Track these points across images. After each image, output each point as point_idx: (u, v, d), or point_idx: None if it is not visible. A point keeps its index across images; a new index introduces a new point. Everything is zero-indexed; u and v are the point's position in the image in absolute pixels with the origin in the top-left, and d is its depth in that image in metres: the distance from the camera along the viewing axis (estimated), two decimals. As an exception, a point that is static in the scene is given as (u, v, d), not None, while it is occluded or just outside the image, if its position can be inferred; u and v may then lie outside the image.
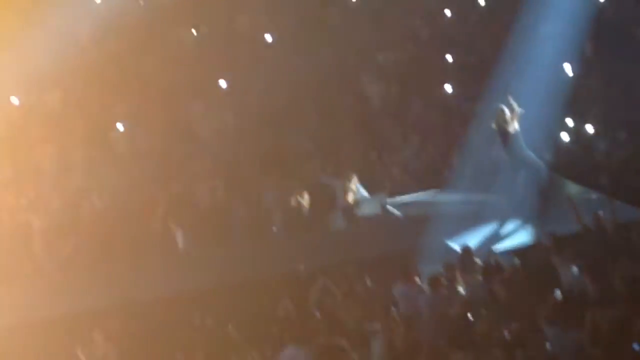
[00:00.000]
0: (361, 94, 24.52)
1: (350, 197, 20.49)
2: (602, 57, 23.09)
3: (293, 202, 20.44)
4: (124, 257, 19.31)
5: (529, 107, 20.80)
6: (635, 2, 25.00)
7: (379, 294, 16.10)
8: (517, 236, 18.60)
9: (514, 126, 19.42)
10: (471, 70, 24.40)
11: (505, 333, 13.79)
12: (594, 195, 19.15)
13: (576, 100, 21.80)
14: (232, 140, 23.18)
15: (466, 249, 17.15)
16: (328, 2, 27.53)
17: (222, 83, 24.97)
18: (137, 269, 18.89)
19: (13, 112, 24.04)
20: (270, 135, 23.19)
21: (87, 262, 19.20)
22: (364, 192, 20.62)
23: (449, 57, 25.05)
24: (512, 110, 19.42)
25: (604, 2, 24.76)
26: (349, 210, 20.49)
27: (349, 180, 20.58)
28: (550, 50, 23.05)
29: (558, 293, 14.73)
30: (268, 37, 26.70)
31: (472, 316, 14.90)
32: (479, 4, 26.72)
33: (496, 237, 18.62)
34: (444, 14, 26.81)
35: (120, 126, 23.63)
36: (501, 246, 18.24)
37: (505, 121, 19.46)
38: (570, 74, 22.43)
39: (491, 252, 17.67)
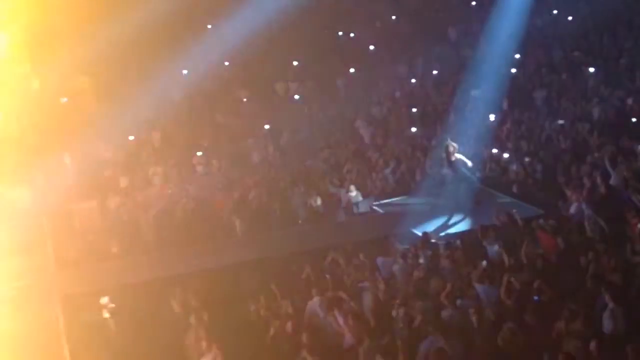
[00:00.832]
0: (357, 134, 24.56)
1: (350, 200, 20.49)
2: (513, 109, 23.13)
3: (312, 204, 20.46)
4: (203, 239, 19.23)
5: (468, 142, 20.98)
6: (535, 72, 25.13)
7: (368, 264, 15.95)
8: (458, 226, 18.43)
9: (455, 155, 19.47)
10: (429, 119, 24.50)
11: (450, 287, 13.71)
12: (508, 200, 19.08)
13: (497, 137, 21.79)
14: (272, 164, 23.34)
15: (425, 234, 17.08)
16: (335, 74, 27.75)
17: (266, 126, 24.99)
18: (211, 247, 18.84)
19: (130, 144, 24.23)
20: (297, 160, 23.26)
21: (178, 243, 19.16)
22: (359, 197, 20.54)
23: (414, 109, 25.13)
24: (453, 146, 19.49)
25: (515, 72, 24.93)
26: (349, 209, 20.49)
27: (349, 189, 20.63)
28: (481, 105, 23.18)
29: (484, 263, 14.64)
30: (296, 97, 27.13)
31: (429, 278, 14.84)
32: (434, 74, 26.88)
33: (445, 226, 18.41)
34: (411, 82, 27.06)
35: (200, 154, 23.65)
36: (448, 232, 18.10)
37: (449, 152, 19.51)
38: (493, 120, 22.37)
39: (441, 236, 17.65)
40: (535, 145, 20.96)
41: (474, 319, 12.79)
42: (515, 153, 20.71)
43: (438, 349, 11.67)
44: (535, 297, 13.07)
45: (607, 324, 11.80)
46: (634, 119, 20.59)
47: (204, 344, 13.26)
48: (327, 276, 15.73)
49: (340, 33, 30.06)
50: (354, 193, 20.55)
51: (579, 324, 11.74)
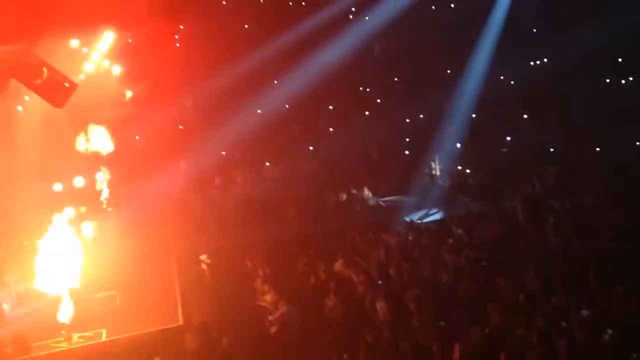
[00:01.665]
0: (367, 154, 23.16)
1: (363, 197, 20.35)
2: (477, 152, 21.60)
3: (342, 199, 20.30)
4: (265, 220, 18.84)
5: (443, 160, 20.81)
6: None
7: (375, 239, 15.84)
8: (435, 215, 18.31)
9: (436, 171, 19.37)
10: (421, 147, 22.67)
11: (426, 256, 13.78)
12: (467, 199, 18.90)
13: (462, 157, 21.12)
14: (316, 173, 21.99)
15: (412, 220, 17.12)
16: (359, 104, 25.84)
17: (310, 148, 23.18)
18: (270, 226, 18.36)
19: (220, 156, 22.59)
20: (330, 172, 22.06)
21: (245, 222, 18.99)
22: (370, 195, 20.41)
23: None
24: (435, 165, 19.32)
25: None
26: (364, 202, 20.27)
27: (363, 190, 20.51)
28: (453, 136, 21.97)
29: (451, 240, 14.65)
30: (331, 129, 24.92)
31: (414, 249, 14.87)
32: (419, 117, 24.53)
33: (425, 215, 18.34)
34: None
35: (267, 163, 22.56)
36: (427, 219, 18.01)
37: (432, 168, 19.47)
38: (458, 145, 21.41)
39: (423, 222, 17.60)
40: (489, 161, 20.53)
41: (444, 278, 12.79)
42: (472, 167, 20.27)
43: (416, 295, 11.83)
44: (484, 263, 13.13)
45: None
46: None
47: (266, 287, 13.46)
48: (348, 246, 15.65)
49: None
50: (366, 192, 20.46)
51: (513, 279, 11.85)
